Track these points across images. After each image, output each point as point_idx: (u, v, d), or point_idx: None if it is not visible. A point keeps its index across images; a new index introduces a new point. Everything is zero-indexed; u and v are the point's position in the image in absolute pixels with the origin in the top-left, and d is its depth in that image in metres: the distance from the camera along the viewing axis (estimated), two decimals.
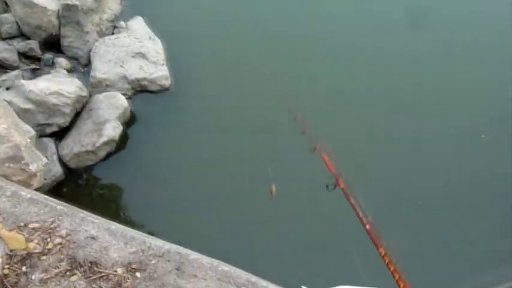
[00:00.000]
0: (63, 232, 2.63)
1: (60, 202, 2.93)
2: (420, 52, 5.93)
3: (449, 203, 4.73)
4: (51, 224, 2.66)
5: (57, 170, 4.58)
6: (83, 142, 4.66)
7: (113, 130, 4.70)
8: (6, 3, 5.15)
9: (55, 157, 4.63)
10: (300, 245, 4.35)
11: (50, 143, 4.67)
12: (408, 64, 5.83)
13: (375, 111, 5.37)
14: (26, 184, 3.98)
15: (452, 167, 5.02)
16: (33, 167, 4.05)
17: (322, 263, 4.17)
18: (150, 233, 4.35)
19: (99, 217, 2.83)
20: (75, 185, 4.73)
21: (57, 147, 4.71)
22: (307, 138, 3.54)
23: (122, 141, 4.90)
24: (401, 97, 5.56)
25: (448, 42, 6.07)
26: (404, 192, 4.76)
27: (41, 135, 4.65)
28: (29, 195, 2.77)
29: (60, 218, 2.69)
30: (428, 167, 5.02)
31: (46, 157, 4.38)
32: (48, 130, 4.68)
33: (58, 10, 5.16)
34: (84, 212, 2.89)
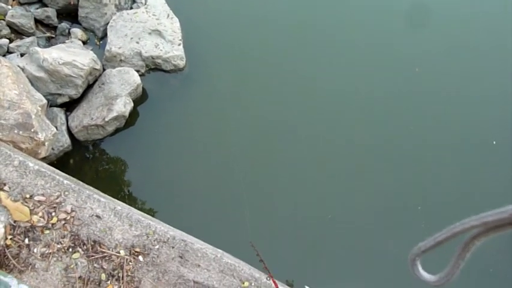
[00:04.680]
0: (69, 208, 2.60)
1: (68, 176, 2.89)
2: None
3: None
4: (56, 199, 2.62)
5: (65, 141, 4.55)
6: (93, 115, 4.61)
7: (123, 106, 4.64)
8: None
9: (64, 128, 4.59)
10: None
11: (59, 113, 4.63)
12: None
13: None
14: (34, 152, 3.96)
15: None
16: (42, 136, 4.02)
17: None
18: (150, 211, 4.35)
19: (105, 195, 2.78)
20: (82, 158, 4.71)
21: (66, 118, 4.68)
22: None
23: (132, 118, 4.85)
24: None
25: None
26: None
27: (51, 105, 4.61)
28: (36, 167, 2.73)
29: (66, 193, 2.65)
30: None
31: (55, 127, 4.35)
32: (59, 100, 4.63)
33: None
34: (91, 188, 2.85)
